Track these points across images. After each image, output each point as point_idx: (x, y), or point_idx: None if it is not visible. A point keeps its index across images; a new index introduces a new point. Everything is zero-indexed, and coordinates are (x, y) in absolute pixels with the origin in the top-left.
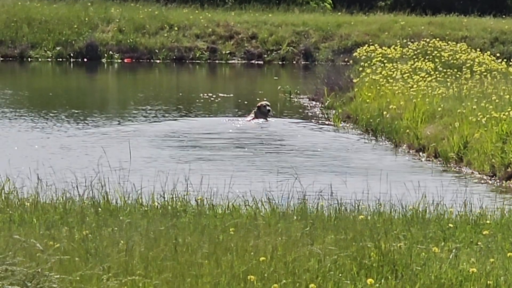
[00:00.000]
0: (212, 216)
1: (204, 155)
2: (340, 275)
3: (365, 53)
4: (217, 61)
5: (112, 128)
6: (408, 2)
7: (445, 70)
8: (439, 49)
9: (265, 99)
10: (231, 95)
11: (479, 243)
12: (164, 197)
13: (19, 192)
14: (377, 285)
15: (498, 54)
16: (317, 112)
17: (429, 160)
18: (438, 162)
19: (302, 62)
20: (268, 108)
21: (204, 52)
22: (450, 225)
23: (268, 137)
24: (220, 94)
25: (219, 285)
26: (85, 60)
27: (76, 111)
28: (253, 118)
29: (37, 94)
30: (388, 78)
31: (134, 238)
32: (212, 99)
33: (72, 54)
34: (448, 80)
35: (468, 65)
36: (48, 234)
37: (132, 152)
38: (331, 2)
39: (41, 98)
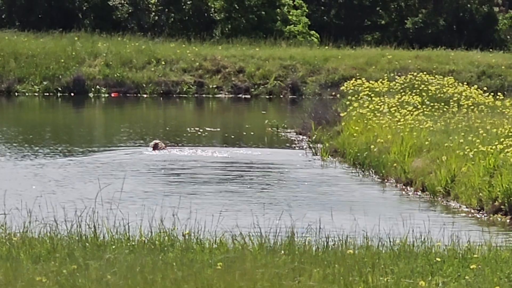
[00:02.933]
0: (199, 251)
1: (191, 188)
2: None
3: (352, 87)
4: (204, 95)
5: (99, 162)
6: (395, 36)
7: (432, 104)
8: (426, 83)
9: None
10: (218, 129)
11: (466, 277)
12: (151, 232)
13: (7, 227)
14: None
15: (485, 88)
16: (305, 146)
17: (416, 194)
18: (426, 196)
19: (289, 96)
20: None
21: (191, 86)
22: (438, 259)
23: (255, 171)
24: (207, 128)
25: None
26: (72, 94)
27: (63, 146)
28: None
29: (24, 129)
30: (376, 112)
31: (121, 274)
32: (199, 133)
33: (59, 89)
34: (435, 114)
35: (455, 99)
36: (35, 269)
37: (120, 185)
38: (318, 36)
39: (28, 133)
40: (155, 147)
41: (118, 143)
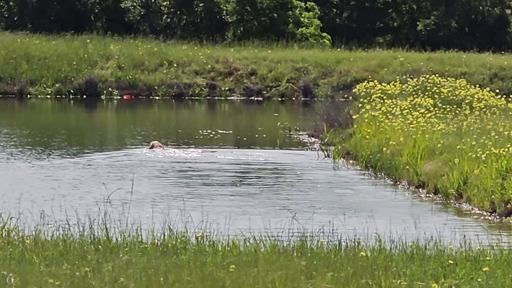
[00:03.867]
0: (212, 253)
1: (204, 190)
2: None
3: (365, 89)
4: (216, 98)
5: (112, 164)
6: (407, 38)
7: (444, 106)
8: (439, 85)
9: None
10: (230, 131)
11: (479, 279)
12: (164, 234)
13: (20, 229)
14: None
15: (497, 90)
16: (317, 149)
17: (429, 197)
18: (438, 199)
19: (302, 98)
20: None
21: (203, 88)
22: (450, 261)
23: (267, 173)
24: (220, 131)
25: None
26: (84, 97)
27: (75, 148)
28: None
29: (36, 132)
30: (388, 114)
31: (135, 276)
32: (211, 135)
33: (71, 91)
34: (447, 116)
35: (467, 101)
36: (48, 272)
37: (135, 188)
38: (330, 38)
39: (40, 135)
40: (152, 147)
41: (130, 145)
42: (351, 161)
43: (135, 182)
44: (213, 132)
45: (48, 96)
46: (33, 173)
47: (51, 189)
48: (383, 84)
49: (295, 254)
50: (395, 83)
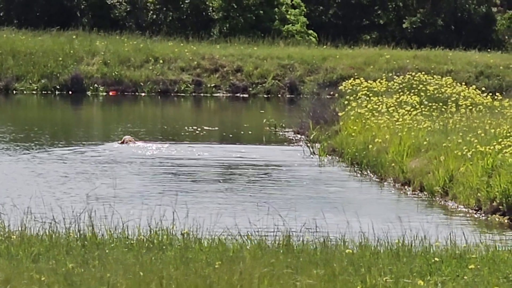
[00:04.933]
0: (198, 249)
1: (189, 187)
2: None
3: (351, 87)
4: (202, 94)
5: (97, 160)
6: (393, 35)
7: (430, 104)
8: (425, 83)
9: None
10: (216, 128)
11: (465, 277)
12: (150, 230)
13: (6, 225)
14: None
15: (483, 88)
16: (303, 146)
17: (414, 194)
18: (424, 196)
19: (287, 95)
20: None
21: (189, 85)
22: (436, 259)
23: (253, 170)
24: (205, 127)
25: None
26: (70, 93)
27: (61, 144)
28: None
29: (22, 127)
30: (374, 111)
31: (120, 272)
32: (197, 132)
33: (57, 87)
34: (433, 114)
35: (453, 99)
36: (34, 267)
37: (119, 184)
38: (316, 35)
39: (25, 131)
40: (123, 141)
41: (108, 141)
42: (337, 158)
43: (116, 177)
44: (199, 129)
45: (34, 92)
46: (17, 168)
47: (37, 184)
48: (369, 81)
49: (280, 251)
50: (381, 81)
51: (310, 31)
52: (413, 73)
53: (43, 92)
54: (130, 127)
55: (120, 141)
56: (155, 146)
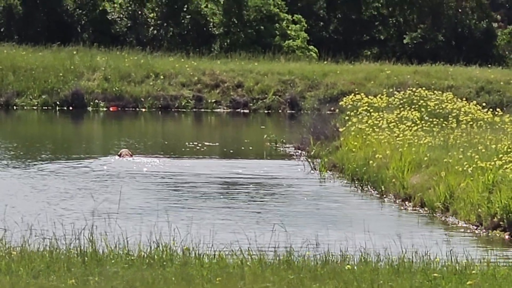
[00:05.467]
0: (199, 265)
1: (190, 202)
2: None
3: (351, 102)
4: (202, 110)
5: (97, 175)
6: (393, 51)
7: (431, 120)
8: (425, 99)
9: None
10: (217, 143)
11: None
12: (150, 247)
13: (7, 241)
14: None
15: (484, 104)
16: (303, 161)
17: (415, 210)
18: (424, 212)
19: (288, 111)
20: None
21: (189, 100)
22: (436, 275)
23: (253, 185)
24: (206, 143)
25: None
26: (71, 108)
27: (61, 160)
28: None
29: (22, 143)
30: (374, 127)
31: None
32: (197, 147)
33: (57, 102)
34: (434, 129)
35: (454, 114)
36: (34, 283)
37: (118, 199)
38: (316, 51)
39: (26, 147)
40: (121, 155)
41: (105, 155)
42: (337, 174)
43: (115, 192)
44: (200, 144)
45: (35, 108)
46: (17, 184)
47: (37, 200)
48: (369, 97)
49: (281, 267)
50: (382, 96)
51: (311, 47)
52: (414, 89)
53: (44, 107)
54: (131, 142)
55: (118, 154)
56: (154, 160)
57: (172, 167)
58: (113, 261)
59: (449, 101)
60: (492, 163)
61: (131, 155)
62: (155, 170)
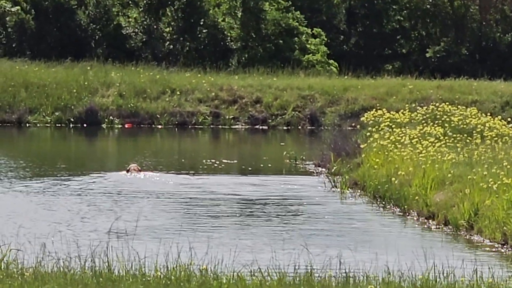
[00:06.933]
0: (217, 286)
1: (207, 221)
2: None
3: (373, 118)
4: (220, 126)
5: (114, 194)
6: (416, 65)
7: (455, 135)
8: (449, 114)
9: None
10: (235, 161)
11: None
12: (167, 267)
13: (20, 261)
14: None
15: (509, 119)
16: (324, 179)
17: (438, 228)
18: (448, 230)
19: (308, 127)
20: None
21: (207, 117)
22: None
23: (272, 203)
24: (224, 160)
25: None
26: (85, 125)
27: (77, 178)
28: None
29: (35, 161)
30: (397, 143)
31: None
32: (215, 165)
33: (71, 119)
34: (458, 145)
35: (478, 130)
36: None
37: (134, 218)
38: (337, 65)
39: (39, 165)
40: (129, 170)
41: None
42: (359, 192)
43: (129, 211)
44: (217, 162)
45: (48, 125)
46: (30, 202)
47: (51, 220)
48: (391, 112)
49: (302, 287)
50: (404, 112)
51: (331, 61)
52: (437, 104)
53: (57, 124)
54: (146, 160)
55: (126, 170)
56: (168, 177)
57: (188, 184)
58: (128, 282)
59: (473, 116)
60: None
61: (140, 171)
62: (170, 188)
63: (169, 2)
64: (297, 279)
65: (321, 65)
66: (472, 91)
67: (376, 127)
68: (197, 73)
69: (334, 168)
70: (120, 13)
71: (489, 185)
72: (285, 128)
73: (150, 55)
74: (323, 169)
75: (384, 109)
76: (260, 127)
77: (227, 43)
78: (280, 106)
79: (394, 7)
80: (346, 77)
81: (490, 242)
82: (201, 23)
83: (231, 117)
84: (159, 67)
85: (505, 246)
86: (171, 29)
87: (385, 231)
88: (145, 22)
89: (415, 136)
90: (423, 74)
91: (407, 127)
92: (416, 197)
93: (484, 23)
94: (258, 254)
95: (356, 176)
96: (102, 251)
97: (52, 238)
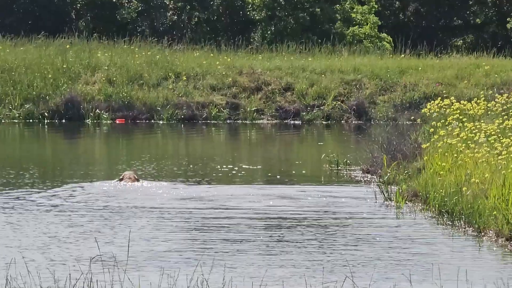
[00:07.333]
0: None
1: (225, 245)
2: None
3: (438, 109)
4: (239, 121)
5: (102, 209)
6: (494, 40)
7: None
8: None
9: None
10: (259, 166)
11: None
12: None
13: None
14: None
15: None
16: (374, 189)
17: None
18: None
19: (353, 122)
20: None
21: (222, 109)
22: None
23: (308, 222)
24: (245, 166)
25: None
26: (64, 121)
27: (53, 190)
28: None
29: None
30: (469, 142)
31: None
32: (234, 172)
33: (45, 114)
34: None
35: None
36: None
37: (125, 240)
38: (391, 40)
39: (4, 174)
40: (122, 179)
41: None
42: (419, 205)
43: (121, 231)
44: (236, 168)
45: (15, 121)
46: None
47: (17, 242)
48: (462, 102)
49: None
50: (479, 101)
51: (383, 35)
52: None
53: (27, 120)
54: (144, 165)
55: (119, 179)
56: (172, 188)
57: (199, 197)
58: None
59: None
60: None
61: (136, 179)
62: (175, 202)
63: None
64: None
65: (370, 40)
66: None
67: (442, 121)
68: (209, 52)
69: (388, 175)
70: None
71: None
72: (323, 123)
73: (148, 29)
74: (373, 177)
75: (452, 98)
76: (291, 122)
77: (248, 13)
78: (317, 94)
79: None
80: (402, 56)
81: None
82: None
83: (253, 109)
84: (159, 44)
85: None
86: None
87: (454, 257)
88: None
89: (493, 133)
90: (503, 51)
91: (482, 121)
92: (494, 212)
93: None
94: (287, 283)
95: (416, 185)
96: (84, 286)
97: (20, 269)
